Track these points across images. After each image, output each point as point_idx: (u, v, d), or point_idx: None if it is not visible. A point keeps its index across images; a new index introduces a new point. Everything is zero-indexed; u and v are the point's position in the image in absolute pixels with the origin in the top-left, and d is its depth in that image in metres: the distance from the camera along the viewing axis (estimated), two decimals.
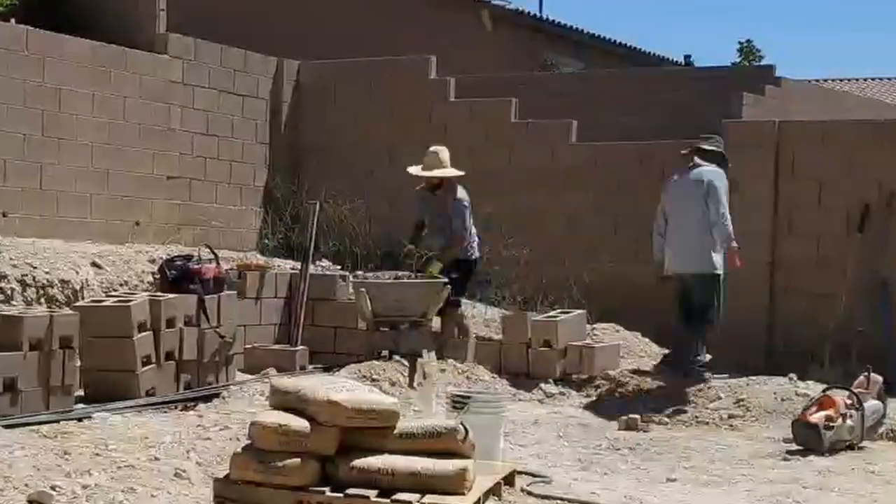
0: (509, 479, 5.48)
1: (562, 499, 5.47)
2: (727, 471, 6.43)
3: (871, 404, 7.30)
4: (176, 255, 8.16)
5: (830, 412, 7.05)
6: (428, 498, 4.65)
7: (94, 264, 8.57)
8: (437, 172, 8.86)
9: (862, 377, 7.49)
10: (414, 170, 8.91)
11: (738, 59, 26.83)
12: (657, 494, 5.78)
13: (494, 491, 5.16)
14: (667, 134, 11.22)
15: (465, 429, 4.92)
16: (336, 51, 13.03)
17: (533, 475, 5.90)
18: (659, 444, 7.09)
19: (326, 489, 4.67)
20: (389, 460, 4.74)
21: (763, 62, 24.98)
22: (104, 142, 10.07)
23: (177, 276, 7.43)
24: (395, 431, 4.84)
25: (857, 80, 27.60)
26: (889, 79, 27.82)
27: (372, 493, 4.64)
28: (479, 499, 4.89)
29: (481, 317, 9.90)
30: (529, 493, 5.48)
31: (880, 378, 7.57)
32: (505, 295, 10.47)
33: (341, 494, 4.65)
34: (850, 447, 7.05)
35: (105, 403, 6.58)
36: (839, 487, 6.07)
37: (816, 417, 7.02)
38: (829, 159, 10.02)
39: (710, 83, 13.13)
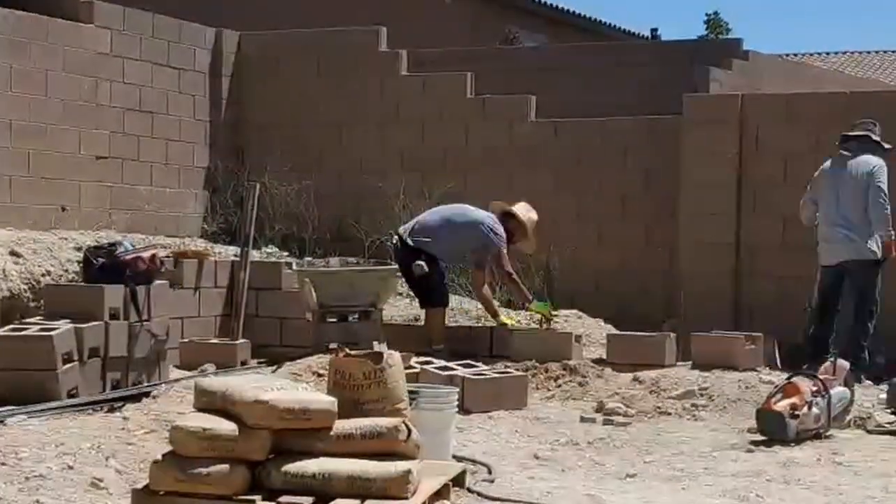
0: (459, 480, 5.23)
1: (514, 501, 5.25)
2: (689, 464, 6.22)
3: (838, 391, 7.10)
4: (104, 241, 7.81)
5: (795, 400, 6.85)
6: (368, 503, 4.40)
7: (13, 253, 8.16)
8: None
9: (828, 363, 7.30)
10: None
11: (704, 33, 26.69)
12: (615, 492, 5.57)
13: (442, 493, 4.90)
14: (631, 110, 11.01)
15: (408, 427, 4.68)
16: (281, 20, 12.63)
17: (486, 467, 5.74)
18: (620, 437, 6.88)
19: (257, 497, 4.42)
20: (326, 464, 4.49)
21: (730, 36, 24.83)
22: (24, 119, 9.52)
23: (103, 265, 7.06)
24: (332, 432, 4.59)
25: (827, 54, 27.51)
26: (860, 52, 27.77)
27: (307, 500, 4.40)
28: (425, 502, 4.62)
29: None
30: (480, 495, 5.27)
31: (847, 364, 7.38)
32: (463, 282, 10.18)
33: (274, 503, 4.40)
34: (817, 436, 6.85)
35: (21, 406, 6.17)
36: (805, 479, 5.88)
37: (781, 406, 6.82)
38: (795, 135, 9.84)
39: (675, 57, 12.92)
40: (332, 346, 7.73)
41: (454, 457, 5.73)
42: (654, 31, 21.83)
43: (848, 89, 11.86)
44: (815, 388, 6.93)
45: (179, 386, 6.90)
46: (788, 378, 7.15)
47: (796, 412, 6.76)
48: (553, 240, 10.27)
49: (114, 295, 7.03)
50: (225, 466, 4.39)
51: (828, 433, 6.89)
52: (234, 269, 8.88)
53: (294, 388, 4.76)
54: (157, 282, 7.43)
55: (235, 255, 9.31)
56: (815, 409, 6.83)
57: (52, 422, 5.87)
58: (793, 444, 6.61)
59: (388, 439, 4.62)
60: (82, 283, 7.25)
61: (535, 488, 5.53)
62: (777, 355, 8.61)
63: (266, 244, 10.43)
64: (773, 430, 6.75)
